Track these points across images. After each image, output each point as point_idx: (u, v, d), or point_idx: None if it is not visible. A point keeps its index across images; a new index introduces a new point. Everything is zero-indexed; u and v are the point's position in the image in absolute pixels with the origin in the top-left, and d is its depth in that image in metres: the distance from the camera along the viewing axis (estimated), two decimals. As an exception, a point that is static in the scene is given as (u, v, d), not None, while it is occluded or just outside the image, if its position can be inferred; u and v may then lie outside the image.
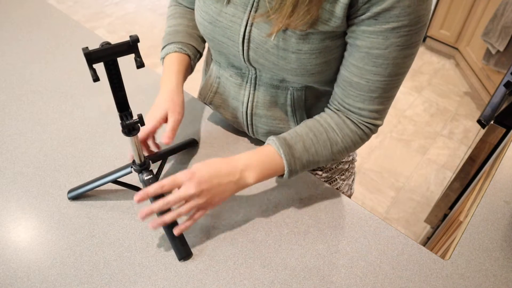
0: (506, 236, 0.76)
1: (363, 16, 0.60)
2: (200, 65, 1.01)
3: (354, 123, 0.71)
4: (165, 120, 0.76)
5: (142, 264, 0.69)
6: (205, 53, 0.97)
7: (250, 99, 0.82)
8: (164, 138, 0.72)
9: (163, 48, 0.86)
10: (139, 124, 0.66)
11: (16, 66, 1.04)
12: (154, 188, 0.65)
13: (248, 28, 0.68)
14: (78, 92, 0.99)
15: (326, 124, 0.72)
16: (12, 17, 1.21)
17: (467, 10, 2.59)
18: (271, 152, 0.70)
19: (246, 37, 0.69)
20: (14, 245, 0.71)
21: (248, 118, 0.85)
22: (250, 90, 0.81)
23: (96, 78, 0.58)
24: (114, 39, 2.50)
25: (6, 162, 0.83)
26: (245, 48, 0.71)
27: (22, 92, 0.98)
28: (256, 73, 0.78)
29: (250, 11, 0.67)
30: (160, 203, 0.65)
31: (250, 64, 0.74)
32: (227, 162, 0.68)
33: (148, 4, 3.26)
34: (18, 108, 0.94)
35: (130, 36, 0.58)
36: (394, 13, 0.58)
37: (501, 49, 2.24)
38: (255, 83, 0.80)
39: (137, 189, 0.77)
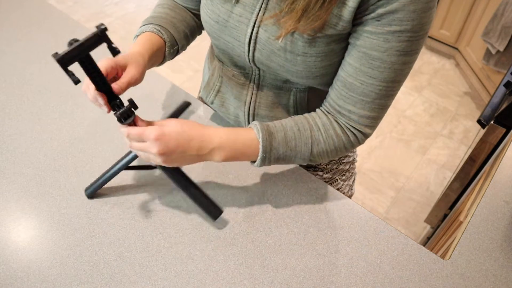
0: (506, 236, 0.76)
1: (368, 16, 0.60)
2: (200, 65, 1.01)
3: (341, 127, 0.70)
4: (121, 70, 0.68)
5: (142, 264, 0.69)
6: (206, 52, 0.97)
7: (253, 99, 0.82)
8: (114, 84, 0.64)
9: (140, 27, 0.79)
10: (133, 109, 0.64)
11: (16, 66, 1.04)
12: (122, 132, 0.66)
13: (255, 29, 0.68)
14: (78, 92, 0.99)
15: (313, 122, 0.71)
16: (12, 17, 1.21)
17: (467, 10, 2.59)
18: (249, 136, 0.68)
19: (253, 38, 0.69)
20: (14, 245, 0.71)
21: (250, 119, 0.85)
22: (253, 90, 0.81)
23: (77, 81, 0.55)
24: (114, 39, 2.49)
25: (6, 162, 0.83)
26: (251, 49, 0.70)
27: (22, 92, 0.98)
28: (259, 73, 0.77)
29: (258, 13, 0.67)
30: (127, 143, 0.67)
31: (255, 64, 0.74)
32: (201, 135, 0.66)
33: (148, 4, 3.26)
34: (18, 108, 0.94)
35: (97, 27, 0.55)
36: (398, 16, 0.58)
37: (501, 49, 2.24)
38: (259, 83, 0.80)
39: (150, 168, 0.78)
